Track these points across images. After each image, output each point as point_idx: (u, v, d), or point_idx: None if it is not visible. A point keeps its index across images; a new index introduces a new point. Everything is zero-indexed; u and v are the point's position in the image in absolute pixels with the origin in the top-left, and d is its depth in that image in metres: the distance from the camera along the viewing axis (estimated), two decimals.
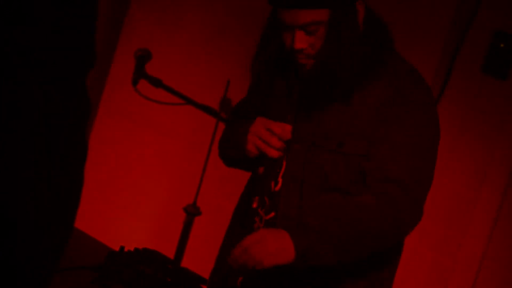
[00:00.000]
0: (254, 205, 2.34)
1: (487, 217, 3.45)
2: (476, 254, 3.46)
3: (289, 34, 2.21)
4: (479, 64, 3.48)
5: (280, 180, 2.31)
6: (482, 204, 3.46)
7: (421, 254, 3.55)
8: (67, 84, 1.15)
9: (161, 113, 3.98)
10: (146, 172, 4.18)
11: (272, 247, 2.12)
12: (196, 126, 4.04)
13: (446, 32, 3.53)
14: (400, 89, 2.24)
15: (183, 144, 4.12)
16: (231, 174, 4.01)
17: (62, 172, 1.16)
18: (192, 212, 3.45)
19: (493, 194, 3.44)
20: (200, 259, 3.41)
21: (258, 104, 2.44)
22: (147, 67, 3.35)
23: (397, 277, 2.42)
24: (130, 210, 4.19)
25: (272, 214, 2.32)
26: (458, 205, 3.53)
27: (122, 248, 2.28)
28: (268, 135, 2.29)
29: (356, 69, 2.21)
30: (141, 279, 2.19)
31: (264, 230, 2.20)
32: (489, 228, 3.45)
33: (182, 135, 4.12)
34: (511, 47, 3.42)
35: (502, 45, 3.43)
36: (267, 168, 2.33)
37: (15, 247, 1.14)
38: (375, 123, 2.23)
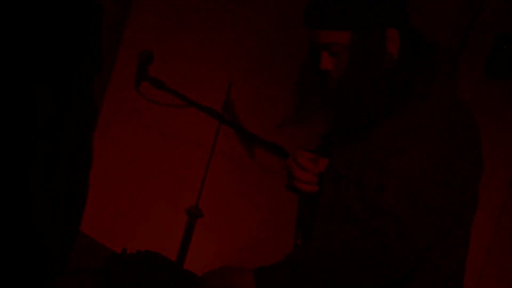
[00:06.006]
0: (299, 242, 2.29)
1: (488, 218, 3.44)
2: (477, 257, 3.45)
3: (318, 55, 2.17)
4: (482, 66, 3.48)
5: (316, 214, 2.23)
6: (483, 205, 3.46)
7: None
8: (73, 88, 1.15)
9: (163, 115, 3.98)
10: (148, 174, 4.18)
11: (232, 281, 2.06)
12: (198, 128, 4.04)
13: (448, 33, 3.53)
14: (424, 119, 2.08)
15: (185, 146, 4.12)
16: (233, 176, 4.02)
17: (67, 176, 1.17)
18: (194, 213, 3.45)
19: (494, 195, 3.43)
20: (202, 261, 3.41)
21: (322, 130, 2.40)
22: (150, 69, 3.35)
23: None
24: (132, 212, 4.19)
25: None
26: None
27: (124, 250, 2.28)
28: (298, 170, 2.24)
29: (377, 99, 2.10)
30: (143, 281, 2.19)
31: (229, 266, 2.12)
32: (490, 229, 3.44)
33: (184, 137, 4.12)
34: None
35: (504, 47, 3.43)
36: (304, 203, 2.28)
37: (20, 250, 1.14)
38: (389, 153, 2.07)
